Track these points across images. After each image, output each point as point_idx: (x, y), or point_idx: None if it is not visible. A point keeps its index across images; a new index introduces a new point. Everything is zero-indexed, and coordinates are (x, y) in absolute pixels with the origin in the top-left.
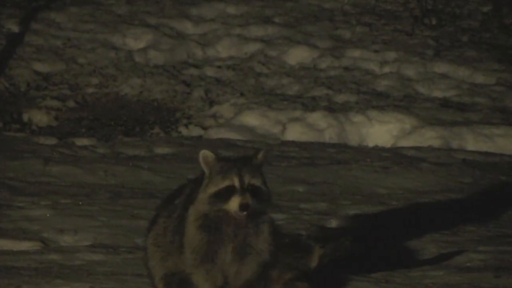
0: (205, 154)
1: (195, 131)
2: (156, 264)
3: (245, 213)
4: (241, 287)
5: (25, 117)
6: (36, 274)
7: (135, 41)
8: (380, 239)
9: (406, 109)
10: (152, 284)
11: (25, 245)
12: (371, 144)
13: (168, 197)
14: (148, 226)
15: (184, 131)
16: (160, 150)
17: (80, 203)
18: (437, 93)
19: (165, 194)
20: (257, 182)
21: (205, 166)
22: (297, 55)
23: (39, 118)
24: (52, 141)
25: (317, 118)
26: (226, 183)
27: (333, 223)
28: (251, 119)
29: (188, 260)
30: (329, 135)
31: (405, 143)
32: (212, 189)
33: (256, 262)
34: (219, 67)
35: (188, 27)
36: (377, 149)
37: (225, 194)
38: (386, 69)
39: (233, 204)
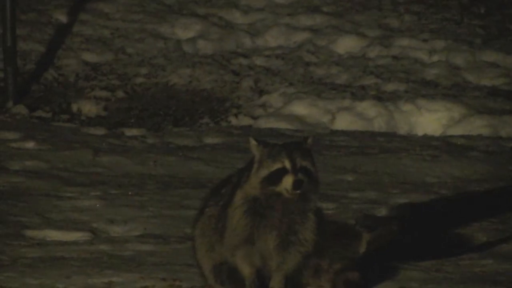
0: (251, 141)
1: (245, 121)
2: (204, 255)
3: (298, 191)
4: (283, 276)
5: (74, 107)
6: (86, 265)
7: (184, 31)
8: (430, 227)
9: (455, 98)
10: (202, 275)
11: (75, 236)
12: (420, 133)
13: (215, 187)
14: (195, 217)
15: (233, 120)
16: (210, 140)
17: (130, 193)
18: (486, 82)
19: (214, 184)
20: (307, 164)
21: (255, 152)
22: (346, 44)
23: (88, 108)
24: (101, 131)
25: (366, 107)
26: (277, 165)
27: (383, 212)
28: (300, 108)
29: (228, 242)
30: (378, 124)
31: (454, 131)
32: (264, 172)
33: (299, 252)
34: (268, 56)
35: (236, 17)
36: (426, 138)
37: (277, 176)
38: (435, 58)
39: (286, 183)
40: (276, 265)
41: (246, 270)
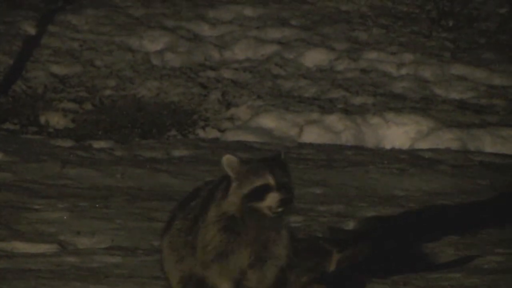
0: (229, 158)
1: (212, 133)
2: (172, 267)
3: (281, 209)
4: None
5: (42, 119)
6: (53, 277)
7: (152, 43)
8: (397, 241)
9: (423, 111)
10: (170, 287)
11: (42, 248)
12: (388, 146)
13: (183, 200)
14: (163, 229)
15: (201, 133)
16: (177, 152)
17: (97, 205)
18: (455, 95)
19: (182, 196)
20: (288, 181)
21: (230, 170)
22: (314, 57)
23: (56, 120)
24: (69, 143)
25: (334, 120)
26: (260, 181)
27: (350, 225)
28: (268, 121)
29: (201, 258)
30: (346, 137)
31: (422, 145)
32: (245, 189)
33: (275, 267)
34: (236, 69)
35: (204, 29)
36: (394, 151)
37: (261, 192)
38: (403, 71)
39: (271, 200)
40: (256, 283)
41: (223, 285)
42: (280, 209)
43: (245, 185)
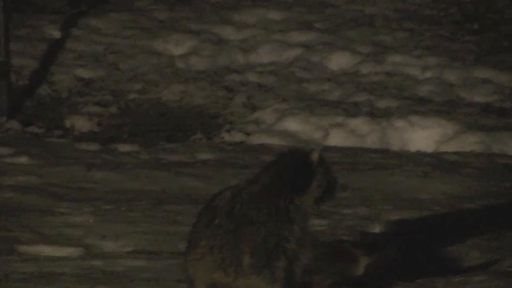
0: (320, 152)
1: (237, 137)
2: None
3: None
4: None
5: (67, 123)
6: (79, 280)
7: (177, 47)
8: (422, 244)
9: (448, 114)
10: None
11: (67, 251)
12: (413, 149)
13: (208, 213)
14: (188, 248)
15: (226, 136)
16: (202, 156)
17: (123, 209)
18: (479, 98)
19: (207, 200)
20: None
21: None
22: (339, 61)
23: (81, 124)
24: (94, 147)
25: (359, 123)
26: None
27: (376, 229)
28: (293, 124)
29: (250, 262)
30: (371, 141)
31: (447, 148)
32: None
33: (300, 269)
34: (260, 72)
35: (229, 33)
36: (419, 154)
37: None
38: (428, 74)
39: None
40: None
41: None
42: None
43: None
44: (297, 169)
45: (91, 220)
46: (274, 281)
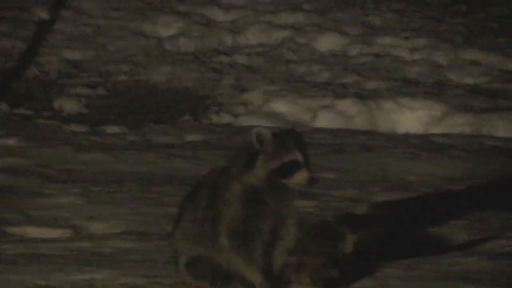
0: (260, 130)
1: (226, 119)
2: (183, 251)
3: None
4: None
5: (56, 104)
6: (67, 262)
7: (165, 28)
8: (410, 225)
9: (437, 96)
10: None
11: (55, 233)
12: (401, 131)
13: (189, 193)
14: (173, 221)
15: (214, 118)
16: (191, 137)
17: (111, 190)
18: (468, 80)
19: (186, 191)
20: (310, 157)
21: (258, 143)
22: (327, 42)
23: (70, 105)
24: (82, 128)
25: (347, 105)
26: (290, 157)
27: (363, 210)
28: (281, 106)
29: (223, 243)
30: (360, 122)
31: (435, 130)
32: (274, 164)
33: (285, 248)
34: (249, 54)
35: (218, 14)
36: (408, 136)
37: (289, 169)
38: (416, 56)
39: (300, 177)
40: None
41: (255, 276)
42: (306, 186)
43: (275, 159)
44: (240, 150)
45: (79, 202)
46: (251, 260)
